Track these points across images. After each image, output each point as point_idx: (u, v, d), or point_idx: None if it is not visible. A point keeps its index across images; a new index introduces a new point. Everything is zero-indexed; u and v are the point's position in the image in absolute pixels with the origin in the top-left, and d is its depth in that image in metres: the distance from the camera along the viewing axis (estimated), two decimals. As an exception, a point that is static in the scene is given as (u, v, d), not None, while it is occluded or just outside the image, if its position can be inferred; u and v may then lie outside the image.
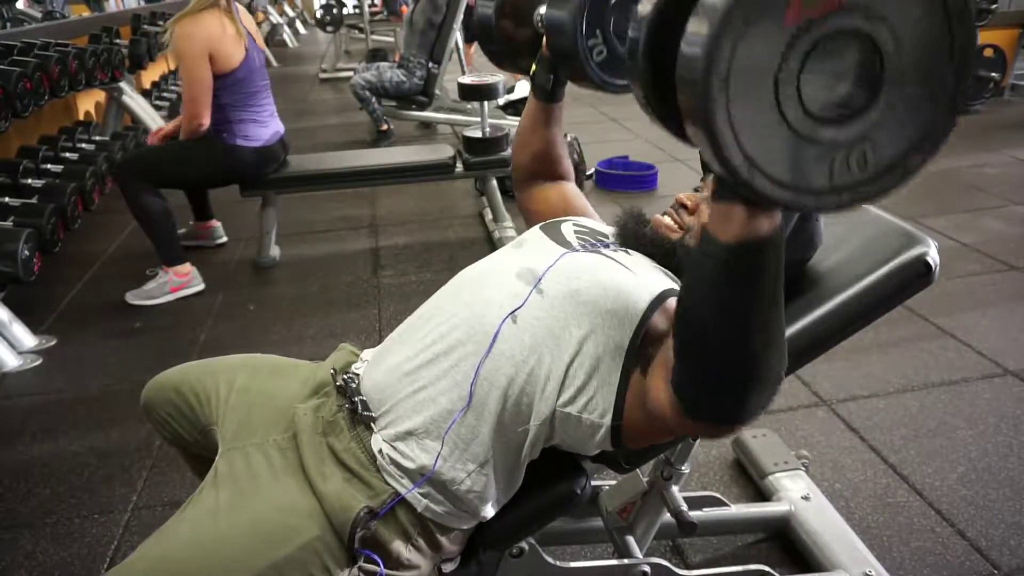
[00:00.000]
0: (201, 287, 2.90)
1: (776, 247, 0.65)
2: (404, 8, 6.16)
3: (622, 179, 3.96)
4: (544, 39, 1.13)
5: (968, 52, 0.50)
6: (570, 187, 1.30)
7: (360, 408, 0.98)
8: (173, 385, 1.18)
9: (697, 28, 0.51)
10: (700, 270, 0.69)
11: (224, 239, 3.42)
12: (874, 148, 0.52)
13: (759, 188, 0.54)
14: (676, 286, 0.99)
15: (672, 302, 0.94)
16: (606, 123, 5.42)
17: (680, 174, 4.13)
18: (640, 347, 0.92)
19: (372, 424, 0.97)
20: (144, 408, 1.22)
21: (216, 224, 3.40)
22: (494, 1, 1.18)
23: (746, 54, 0.49)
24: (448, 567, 1.01)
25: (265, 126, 2.90)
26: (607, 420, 0.92)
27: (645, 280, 0.98)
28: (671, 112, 0.61)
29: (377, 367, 1.03)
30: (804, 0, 0.48)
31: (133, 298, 2.82)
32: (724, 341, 0.70)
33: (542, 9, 1.14)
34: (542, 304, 0.96)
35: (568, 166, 1.30)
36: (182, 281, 2.86)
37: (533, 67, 1.19)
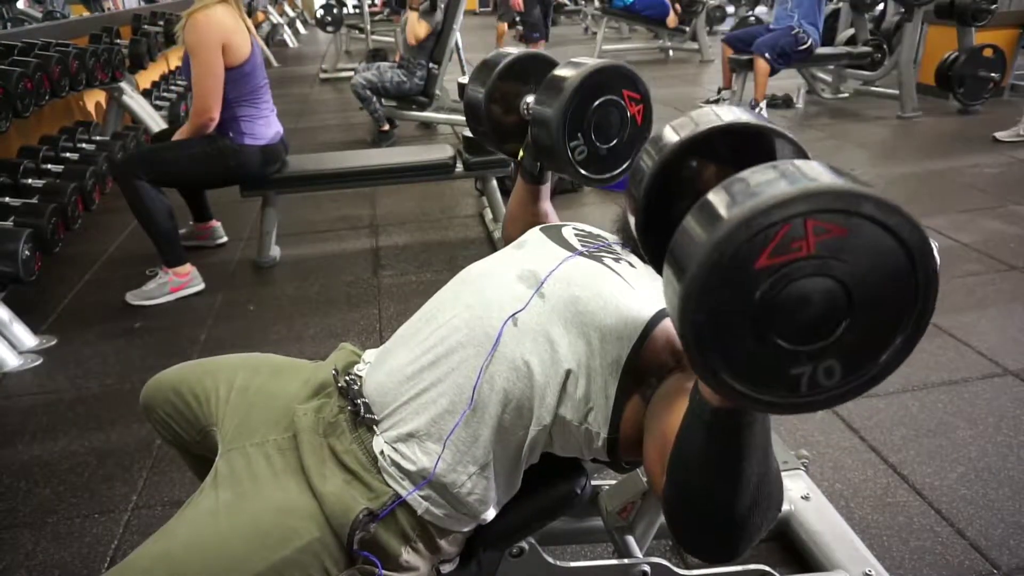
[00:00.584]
0: (201, 287, 2.90)
1: (763, 417, 0.68)
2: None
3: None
4: (530, 128, 1.17)
5: (931, 290, 0.53)
6: None
7: (363, 410, 0.98)
8: (172, 385, 1.18)
9: (674, 284, 0.56)
10: (691, 431, 0.71)
11: (224, 239, 3.42)
12: (842, 365, 0.56)
13: (739, 402, 0.58)
14: None
15: (669, 322, 0.94)
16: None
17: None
18: (637, 365, 0.92)
19: (374, 427, 0.97)
20: (143, 408, 1.22)
21: (216, 224, 3.40)
22: (484, 87, 1.23)
23: (723, 300, 0.53)
24: (446, 568, 1.01)
25: (268, 124, 2.91)
26: (604, 432, 0.93)
27: (644, 297, 0.97)
28: (659, 250, 0.70)
29: (379, 369, 1.03)
30: (771, 250, 0.51)
31: (133, 298, 2.82)
32: (715, 499, 0.72)
33: (529, 99, 1.22)
34: (543, 308, 0.96)
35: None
36: (182, 282, 2.86)
37: (520, 152, 1.25)
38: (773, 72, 5.02)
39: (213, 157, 2.78)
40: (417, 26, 4.69)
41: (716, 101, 5.63)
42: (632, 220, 0.78)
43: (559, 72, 1.10)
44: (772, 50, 4.94)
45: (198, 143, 2.76)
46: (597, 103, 1.08)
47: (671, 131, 0.76)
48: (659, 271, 0.73)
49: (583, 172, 1.11)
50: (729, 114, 0.74)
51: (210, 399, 1.13)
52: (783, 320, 0.53)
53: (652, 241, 0.78)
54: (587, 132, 1.08)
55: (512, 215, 1.33)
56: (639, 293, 0.98)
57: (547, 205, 1.32)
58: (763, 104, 5.10)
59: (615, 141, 1.11)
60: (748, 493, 0.71)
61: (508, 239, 1.32)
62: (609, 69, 1.08)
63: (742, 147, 0.73)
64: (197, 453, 1.22)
